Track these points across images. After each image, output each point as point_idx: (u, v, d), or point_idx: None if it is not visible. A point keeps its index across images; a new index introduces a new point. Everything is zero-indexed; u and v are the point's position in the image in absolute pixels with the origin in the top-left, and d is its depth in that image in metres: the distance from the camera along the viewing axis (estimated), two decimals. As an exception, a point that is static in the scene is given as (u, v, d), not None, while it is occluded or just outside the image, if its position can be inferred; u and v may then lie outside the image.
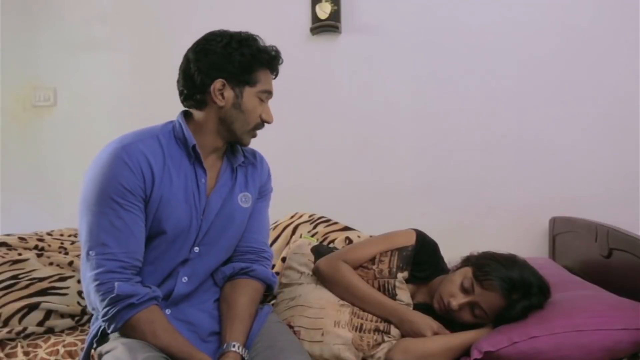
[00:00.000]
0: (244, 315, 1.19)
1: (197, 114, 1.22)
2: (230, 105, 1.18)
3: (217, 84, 1.16)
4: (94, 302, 1.11)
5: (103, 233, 1.08)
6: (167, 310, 1.17)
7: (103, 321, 1.10)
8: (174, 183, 1.16)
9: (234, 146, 1.28)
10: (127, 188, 1.09)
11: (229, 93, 1.17)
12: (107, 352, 1.09)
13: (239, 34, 1.20)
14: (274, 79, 1.26)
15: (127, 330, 1.10)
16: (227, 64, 1.16)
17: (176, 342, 1.09)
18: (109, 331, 1.11)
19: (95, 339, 1.16)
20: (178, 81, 1.22)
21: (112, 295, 1.06)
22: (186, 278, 1.19)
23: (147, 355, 1.03)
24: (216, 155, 1.26)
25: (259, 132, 1.26)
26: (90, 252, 1.09)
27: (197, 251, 1.20)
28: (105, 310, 1.08)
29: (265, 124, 1.25)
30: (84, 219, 1.11)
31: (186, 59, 1.20)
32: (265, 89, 1.22)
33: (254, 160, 1.34)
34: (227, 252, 1.28)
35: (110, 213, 1.08)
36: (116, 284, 1.07)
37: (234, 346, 1.12)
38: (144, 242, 1.14)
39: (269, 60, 1.21)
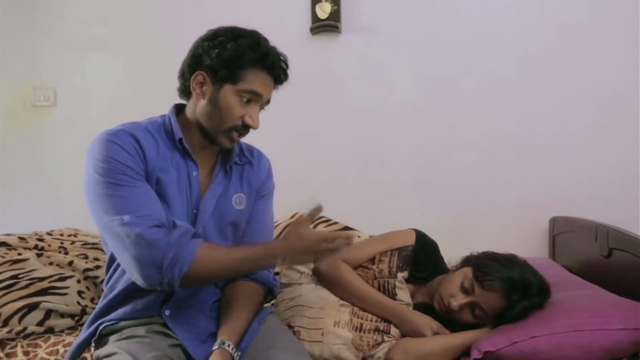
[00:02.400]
0: (240, 314, 1.18)
1: (186, 107, 1.20)
2: (207, 99, 1.13)
3: (198, 76, 1.13)
4: (148, 266, 0.99)
5: (123, 205, 1.02)
6: (166, 311, 1.16)
7: (167, 281, 1.00)
8: (169, 171, 1.14)
9: None
10: (126, 164, 1.06)
11: (208, 87, 1.13)
12: (105, 357, 1.08)
13: (244, 30, 1.15)
14: (277, 86, 1.19)
15: (198, 270, 1.01)
16: (210, 57, 1.11)
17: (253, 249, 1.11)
18: (176, 286, 1.02)
19: (94, 339, 1.16)
20: None
21: (169, 234, 1.01)
22: None
23: (152, 355, 1.03)
24: (209, 152, 1.22)
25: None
26: (121, 226, 1.00)
27: None
28: (170, 256, 0.99)
29: (251, 130, 1.17)
30: (96, 211, 1.05)
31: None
32: (249, 89, 1.13)
33: (251, 158, 1.29)
34: None
35: (121, 190, 1.03)
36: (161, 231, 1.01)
37: (223, 343, 1.10)
38: (161, 206, 1.08)
39: (259, 59, 1.12)
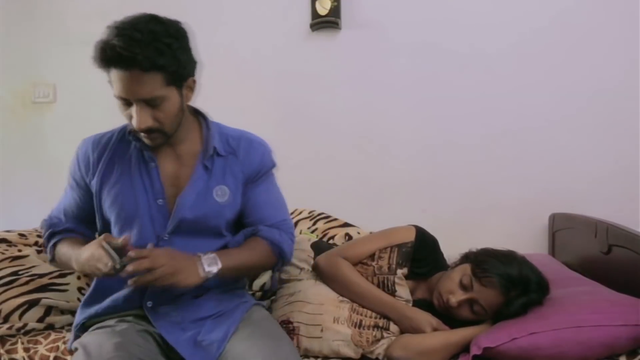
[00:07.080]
0: (233, 250, 1.22)
1: None
2: None
3: None
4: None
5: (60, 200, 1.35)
6: (148, 303, 1.17)
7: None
8: (114, 171, 1.21)
9: (208, 138, 1.23)
10: (73, 175, 1.28)
11: None
12: (76, 349, 1.10)
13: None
14: (139, 70, 1.00)
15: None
16: None
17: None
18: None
19: (76, 331, 1.21)
20: None
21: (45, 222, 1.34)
22: None
23: (114, 342, 1.04)
24: (189, 145, 1.22)
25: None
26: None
27: (166, 239, 1.18)
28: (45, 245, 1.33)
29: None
30: None
31: None
32: (115, 95, 1.09)
33: (235, 148, 1.25)
34: (209, 246, 1.21)
35: (67, 188, 1.33)
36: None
37: (205, 253, 1.12)
38: (77, 213, 1.31)
39: (102, 59, 1.03)
